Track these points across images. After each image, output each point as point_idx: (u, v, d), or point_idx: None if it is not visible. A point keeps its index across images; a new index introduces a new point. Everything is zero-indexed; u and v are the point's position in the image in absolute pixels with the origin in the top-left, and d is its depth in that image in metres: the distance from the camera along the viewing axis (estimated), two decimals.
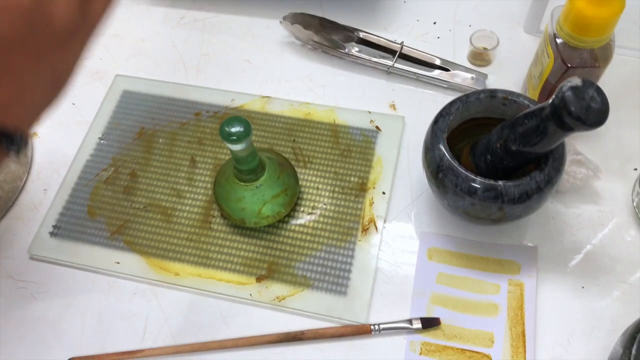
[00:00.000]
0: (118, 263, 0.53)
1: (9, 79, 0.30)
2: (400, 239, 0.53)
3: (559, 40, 0.48)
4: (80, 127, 0.62)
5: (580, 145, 0.53)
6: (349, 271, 0.51)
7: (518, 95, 0.47)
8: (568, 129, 0.38)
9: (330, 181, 0.56)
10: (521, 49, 0.62)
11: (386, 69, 0.62)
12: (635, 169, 0.54)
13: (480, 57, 0.61)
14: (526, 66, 0.58)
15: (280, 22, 0.63)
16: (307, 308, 0.50)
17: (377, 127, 0.58)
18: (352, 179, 0.56)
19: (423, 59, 0.61)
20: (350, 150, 0.57)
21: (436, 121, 0.48)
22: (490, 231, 0.52)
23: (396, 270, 0.51)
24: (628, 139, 0.56)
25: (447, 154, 0.45)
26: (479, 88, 0.59)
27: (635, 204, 0.52)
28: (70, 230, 0.55)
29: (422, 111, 0.60)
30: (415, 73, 0.61)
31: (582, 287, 0.49)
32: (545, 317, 0.48)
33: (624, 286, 0.49)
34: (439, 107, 0.49)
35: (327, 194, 0.55)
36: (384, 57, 0.62)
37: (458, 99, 0.48)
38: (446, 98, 0.54)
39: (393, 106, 0.60)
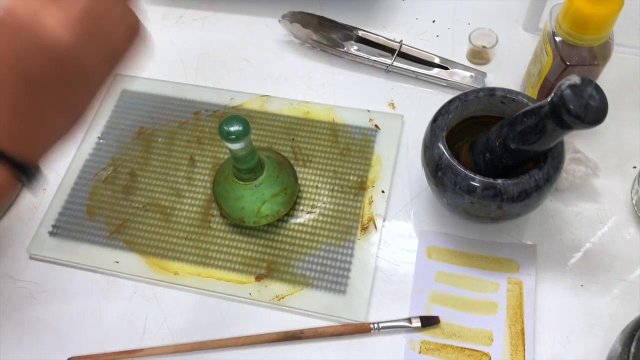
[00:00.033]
0: (117, 262, 0.53)
1: (32, 116, 0.31)
2: (400, 238, 0.53)
3: (557, 39, 0.48)
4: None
5: (580, 144, 0.53)
6: (348, 270, 0.51)
7: (517, 93, 0.47)
8: (567, 127, 0.38)
9: (329, 180, 0.56)
10: (520, 47, 0.62)
11: (385, 68, 0.62)
12: (635, 167, 0.54)
13: (479, 55, 0.61)
14: (525, 64, 0.58)
15: (279, 20, 0.63)
16: (307, 307, 0.50)
17: (376, 125, 0.58)
18: (351, 177, 0.56)
19: (422, 58, 0.61)
20: (349, 149, 0.57)
21: (435, 120, 0.48)
22: (489, 229, 0.52)
23: (395, 269, 0.51)
24: (627, 137, 0.56)
25: (446, 153, 0.45)
26: (478, 86, 0.59)
27: (634, 202, 0.52)
28: (70, 229, 0.55)
29: (421, 110, 0.59)
30: (414, 71, 0.61)
31: (581, 285, 0.49)
32: (545, 315, 0.48)
33: (623, 284, 0.49)
34: (438, 106, 0.49)
35: (326, 192, 0.55)
36: (382, 56, 0.62)
37: (457, 97, 0.48)
38: (445, 96, 0.54)
39: (392, 105, 0.60)
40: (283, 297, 0.50)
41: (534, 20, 0.62)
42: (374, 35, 0.63)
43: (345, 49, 0.62)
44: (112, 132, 0.61)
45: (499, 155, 0.45)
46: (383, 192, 0.55)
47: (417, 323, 0.48)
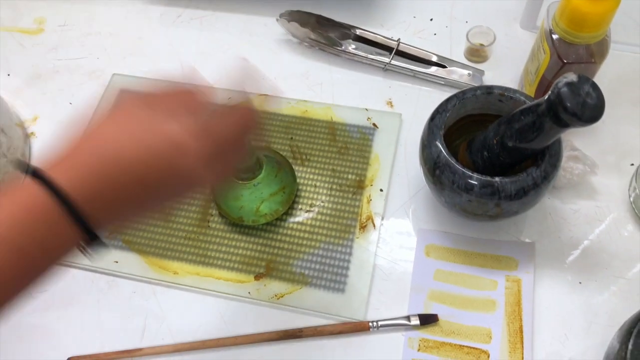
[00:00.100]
0: (117, 262, 0.53)
1: (130, 211, 0.33)
2: (398, 236, 0.53)
3: (555, 36, 0.48)
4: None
5: (577, 141, 0.54)
6: (347, 268, 0.51)
7: (514, 91, 0.47)
8: (564, 125, 0.38)
9: (327, 179, 0.56)
10: (518, 45, 0.62)
11: (383, 66, 0.62)
12: (632, 165, 0.54)
13: (476, 53, 0.61)
14: (523, 62, 0.58)
15: (277, 19, 0.63)
16: (306, 306, 0.50)
17: (374, 124, 0.58)
18: (349, 176, 0.56)
19: (420, 56, 0.61)
20: (347, 147, 0.57)
21: (433, 118, 0.48)
22: (487, 227, 0.53)
23: (394, 267, 0.52)
24: (624, 135, 0.56)
25: (444, 151, 0.45)
26: (476, 84, 0.59)
27: (632, 199, 0.52)
28: None
29: (419, 108, 0.60)
30: (412, 70, 0.61)
31: (580, 283, 0.50)
32: (543, 313, 0.48)
33: (621, 281, 0.49)
34: (436, 104, 0.49)
35: (324, 191, 0.55)
36: (380, 54, 0.62)
37: (455, 95, 0.48)
38: (443, 95, 0.54)
39: (390, 103, 0.60)
40: (282, 296, 0.51)
41: (531, 18, 0.62)
42: (372, 34, 0.63)
43: (343, 47, 0.62)
44: None
45: (497, 153, 0.45)
46: (381, 190, 0.55)
47: (415, 321, 0.48)
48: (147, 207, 0.34)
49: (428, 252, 0.52)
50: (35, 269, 0.31)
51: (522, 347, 0.47)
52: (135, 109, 0.33)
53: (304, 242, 0.53)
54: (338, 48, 0.62)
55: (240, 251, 0.53)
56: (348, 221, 0.54)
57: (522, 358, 0.46)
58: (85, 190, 0.30)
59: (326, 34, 0.62)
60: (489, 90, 0.48)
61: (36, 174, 0.30)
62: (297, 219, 0.54)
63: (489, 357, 0.47)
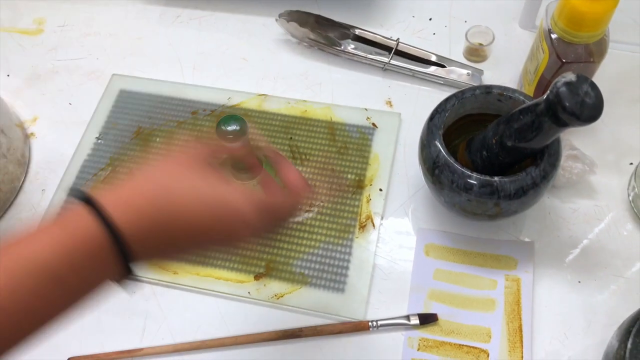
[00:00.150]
0: None
1: (171, 254, 0.34)
2: (398, 236, 0.53)
3: (553, 36, 0.48)
4: (78, 127, 0.62)
5: (576, 141, 0.54)
6: (347, 268, 0.51)
7: (513, 91, 0.47)
8: (563, 124, 0.38)
9: (327, 178, 0.56)
10: (517, 44, 0.62)
11: (382, 66, 0.62)
12: (631, 164, 0.54)
13: (476, 53, 0.62)
14: (522, 62, 0.58)
15: (276, 20, 0.63)
16: (305, 305, 0.50)
17: (373, 124, 0.59)
18: (349, 176, 0.56)
19: (419, 56, 0.61)
20: (347, 147, 0.57)
21: (432, 118, 0.48)
22: (486, 227, 0.53)
23: (393, 267, 0.52)
24: (623, 134, 0.56)
25: (443, 151, 0.46)
26: (475, 84, 0.59)
27: (631, 198, 0.52)
28: None
29: (418, 108, 0.60)
30: (411, 69, 0.61)
31: (579, 282, 0.50)
32: (542, 312, 0.49)
33: (620, 280, 0.49)
34: (435, 104, 0.49)
35: (324, 191, 0.55)
36: (380, 54, 0.62)
37: (454, 95, 0.48)
38: (442, 94, 0.54)
39: (389, 103, 0.61)
40: (282, 296, 0.51)
41: (530, 18, 0.62)
42: (371, 34, 0.63)
43: (342, 47, 0.62)
44: (110, 132, 0.61)
45: (496, 152, 0.45)
46: (381, 190, 0.55)
47: (415, 320, 0.48)
48: (188, 252, 0.35)
49: (427, 252, 0.52)
50: (69, 299, 0.31)
51: (522, 346, 0.47)
52: (189, 163, 0.34)
53: (304, 242, 0.53)
54: (337, 48, 0.62)
55: (239, 251, 0.53)
56: (348, 221, 0.54)
57: (522, 357, 0.47)
58: (134, 229, 0.30)
59: (325, 34, 0.62)
60: (488, 89, 0.48)
61: (89, 202, 0.30)
62: (296, 219, 0.54)
63: (488, 356, 0.47)
